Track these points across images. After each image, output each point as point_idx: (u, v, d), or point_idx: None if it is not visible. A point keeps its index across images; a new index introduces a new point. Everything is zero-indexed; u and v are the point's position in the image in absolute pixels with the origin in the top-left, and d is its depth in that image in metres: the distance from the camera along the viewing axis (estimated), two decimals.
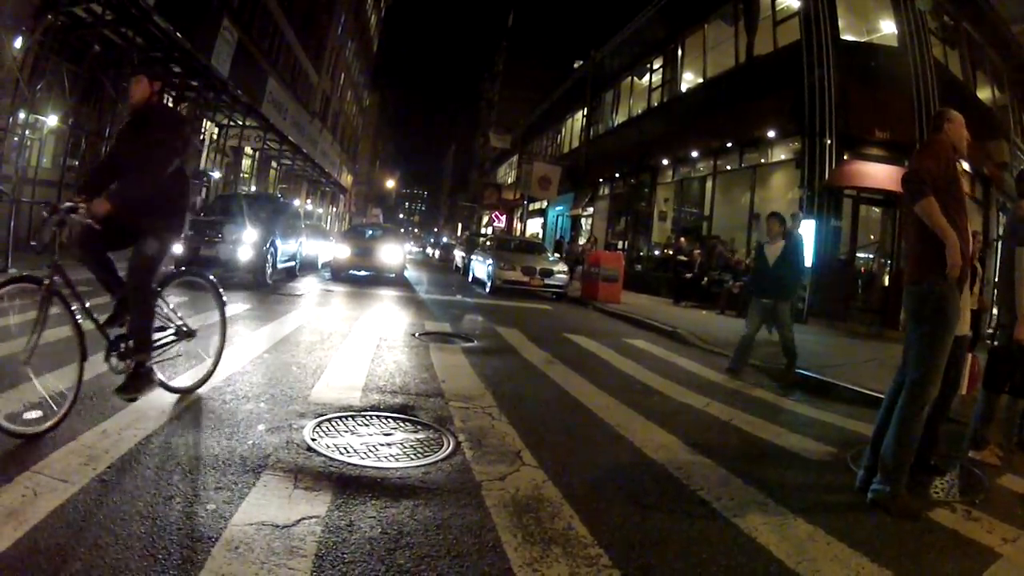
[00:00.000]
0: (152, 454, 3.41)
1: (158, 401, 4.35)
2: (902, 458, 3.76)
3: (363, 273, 17.46)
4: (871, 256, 16.12)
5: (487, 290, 17.04)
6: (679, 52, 22.82)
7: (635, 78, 26.87)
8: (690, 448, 4.52)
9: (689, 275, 17.34)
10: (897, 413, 3.84)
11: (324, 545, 2.64)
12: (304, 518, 2.84)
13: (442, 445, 4.04)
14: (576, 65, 38.35)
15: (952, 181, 3.86)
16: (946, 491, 4.20)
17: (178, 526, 2.66)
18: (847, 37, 15.97)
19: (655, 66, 24.79)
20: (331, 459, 3.60)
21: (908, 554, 3.14)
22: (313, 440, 3.86)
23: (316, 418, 4.32)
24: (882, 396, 6.65)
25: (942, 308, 3.74)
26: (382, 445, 3.91)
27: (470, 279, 20.84)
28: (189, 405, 4.34)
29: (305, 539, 2.66)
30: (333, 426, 4.20)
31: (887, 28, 16.23)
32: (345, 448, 3.79)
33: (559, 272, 16.98)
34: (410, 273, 21.24)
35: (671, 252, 20.13)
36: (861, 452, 4.74)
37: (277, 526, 2.74)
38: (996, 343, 5.30)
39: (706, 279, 16.63)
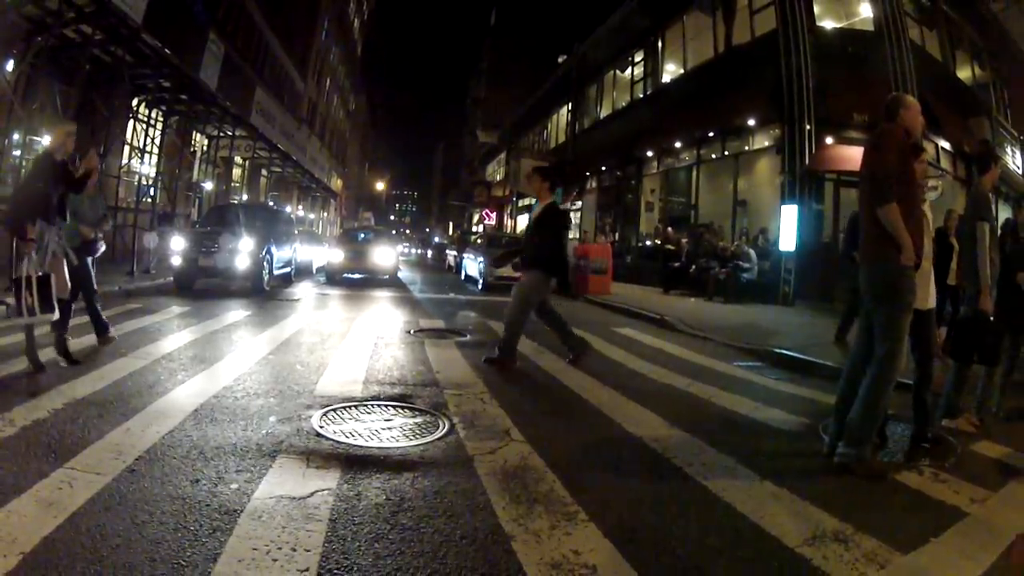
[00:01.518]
0: (175, 446, 3.75)
1: (176, 401, 4.70)
2: (868, 426, 3.98)
3: (357, 276, 17.76)
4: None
5: (479, 287, 17.33)
6: (660, 44, 23.09)
7: (618, 71, 27.11)
8: (669, 423, 4.83)
9: (676, 264, 17.62)
10: (866, 386, 4.02)
11: (336, 511, 3.01)
12: (317, 491, 3.21)
13: (438, 427, 4.41)
14: (560, 60, 38.51)
15: (906, 170, 4.02)
16: (916, 456, 4.33)
17: (206, 503, 3.00)
18: (823, 23, 16.29)
19: (637, 59, 25.05)
20: (338, 442, 3.97)
21: (870, 511, 3.33)
22: (321, 427, 4.24)
23: (322, 409, 4.68)
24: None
25: (897, 287, 3.94)
26: (384, 429, 4.28)
27: (463, 277, 21.10)
28: (204, 403, 4.66)
29: (319, 507, 3.03)
30: (338, 415, 4.57)
31: (864, 12, 16.54)
32: (351, 433, 4.16)
33: None
34: (403, 274, 21.50)
35: (659, 242, 20.41)
36: (831, 422, 5.05)
37: (294, 498, 3.11)
38: (961, 314, 5.54)
39: (694, 267, 16.92)
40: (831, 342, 8.88)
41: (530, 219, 7.07)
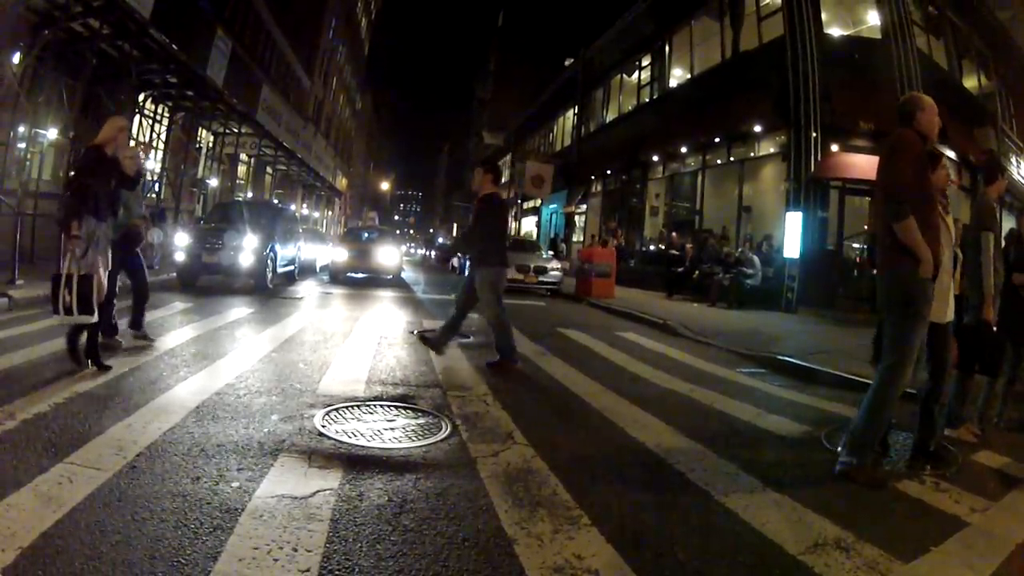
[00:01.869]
0: (177, 443, 3.74)
1: (178, 397, 4.70)
2: (870, 434, 3.94)
3: (361, 275, 17.78)
4: (864, 246, 16.40)
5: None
6: (667, 49, 23.10)
7: (624, 75, 27.14)
8: (671, 428, 4.82)
9: (680, 269, 17.60)
10: (871, 393, 3.97)
11: (338, 511, 3.00)
12: (319, 491, 3.20)
13: (441, 428, 4.41)
14: (567, 63, 38.58)
15: (923, 179, 3.93)
16: (917, 465, 4.30)
17: (207, 501, 2.99)
18: (831, 31, 16.31)
19: (643, 63, 25.07)
20: (341, 442, 3.96)
21: (871, 519, 3.33)
22: (323, 427, 4.23)
23: (325, 408, 4.68)
24: (863, 380, 6.95)
25: (912, 297, 3.87)
26: (386, 429, 4.28)
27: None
28: (206, 401, 4.66)
29: (321, 507, 3.01)
30: (341, 415, 4.56)
31: (871, 20, 16.55)
32: (353, 433, 4.15)
33: (553, 269, 17.32)
34: (407, 274, 21.52)
35: (663, 247, 20.40)
36: (836, 430, 5.00)
37: (296, 498, 3.09)
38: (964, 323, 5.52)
39: (697, 272, 16.91)
40: (834, 349, 8.86)
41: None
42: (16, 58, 12.28)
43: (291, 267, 16.06)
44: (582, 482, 3.57)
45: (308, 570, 2.46)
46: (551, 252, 21.77)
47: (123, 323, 6.77)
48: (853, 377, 7.12)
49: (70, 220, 5.16)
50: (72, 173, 5.90)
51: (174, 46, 14.66)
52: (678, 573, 2.69)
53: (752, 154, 17.96)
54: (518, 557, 2.68)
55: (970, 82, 19.67)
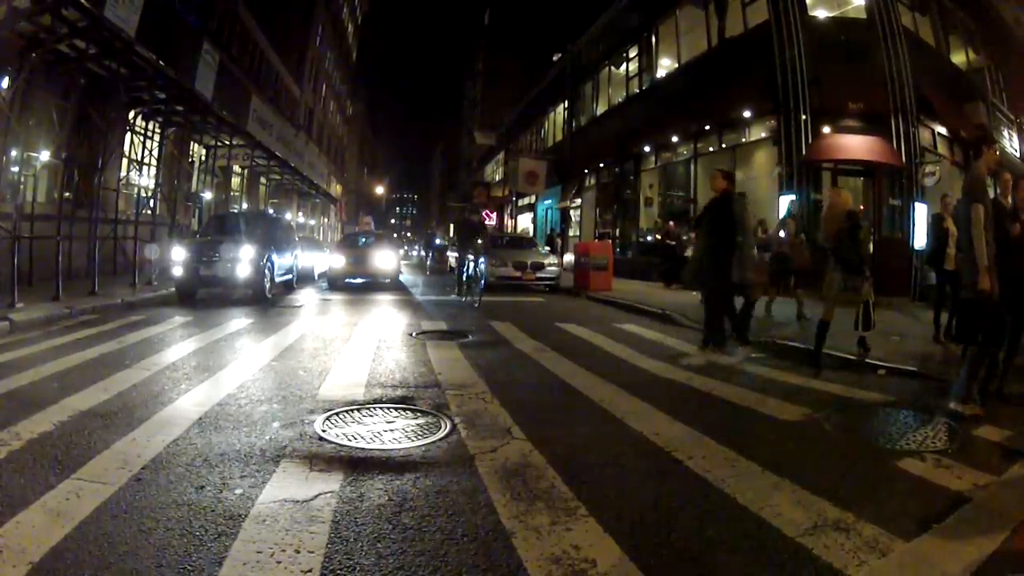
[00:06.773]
0: (180, 454, 3.79)
1: (181, 409, 4.76)
2: None
3: (359, 280, 17.81)
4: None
5: (481, 287, 17.32)
6: (653, 39, 23.14)
7: (612, 68, 27.16)
8: (670, 417, 4.85)
9: (676, 252, 17.56)
10: None
11: (339, 513, 3.05)
12: (320, 493, 3.25)
13: (440, 427, 4.45)
14: (555, 58, 38.57)
15: None
16: (918, 443, 4.30)
17: (211, 508, 3.05)
18: (815, 13, 16.33)
19: (631, 55, 25.07)
20: (341, 445, 4.01)
21: (871, 498, 3.34)
22: (324, 431, 4.28)
23: (325, 413, 4.72)
24: (864, 360, 6.97)
25: None
26: (386, 431, 4.33)
27: (464, 278, 21.06)
28: (209, 411, 4.71)
29: (323, 509, 3.07)
30: (341, 419, 4.61)
31: (856, 0, 16.56)
32: (353, 436, 4.20)
33: (550, 265, 17.33)
34: (405, 277, 21.54)
35: (659, 237, 20.41)
36: (835, 412, 5.05)
37: (298, 501, 3.15)
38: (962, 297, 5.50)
39: None
40: (834, 331, 8.84)
41: None
42: (4, 82, 12.30)
43: (289, 276, 16.07)
44: (580, 474, 3.61)
45: (310, 571, 2.51)
46: (548, 248, 21.75)
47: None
48: (853, 358, 7.16)
49: None
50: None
51: (161, 62, 14.64)
52: (676, 560, 2.72)
53: (743, 140, 18.00)
54: (516, 550, 2.72)
55: (958, 58, 19.66)
